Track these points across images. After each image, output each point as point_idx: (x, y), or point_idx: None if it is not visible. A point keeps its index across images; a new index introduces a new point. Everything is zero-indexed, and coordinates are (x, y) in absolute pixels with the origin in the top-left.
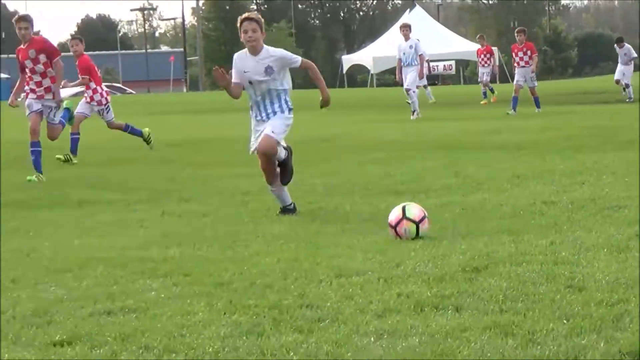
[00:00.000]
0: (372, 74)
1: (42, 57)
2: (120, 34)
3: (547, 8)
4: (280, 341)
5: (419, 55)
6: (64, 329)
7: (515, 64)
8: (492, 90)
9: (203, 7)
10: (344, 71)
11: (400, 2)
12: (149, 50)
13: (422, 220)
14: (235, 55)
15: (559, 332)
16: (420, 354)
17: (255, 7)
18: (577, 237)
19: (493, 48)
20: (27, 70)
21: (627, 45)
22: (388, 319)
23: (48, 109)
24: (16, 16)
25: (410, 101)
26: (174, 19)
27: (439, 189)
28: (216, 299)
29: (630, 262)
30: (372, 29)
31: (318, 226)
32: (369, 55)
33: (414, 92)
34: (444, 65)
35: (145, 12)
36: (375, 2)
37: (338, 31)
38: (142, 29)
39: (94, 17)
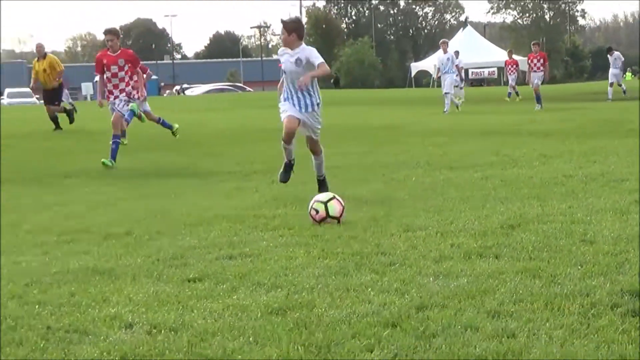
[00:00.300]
0: (433, 78)
1: (126, 66)
2: (242, 46)
3: (568, 28)
4: (360, 280)
5: (455, 65)
6: (196, 269)
7: (531, 69)
8: (517, 93)
9: (305, 25)
10: (412, 75)
11: (455, 22)
12: (264, 58)
13: (341, 215)
14: (279, 50)
15: (574, 275)
16: (467, 291)
17: (345, 26)
18: (589, 203)
19: (517, 59)
20: (108, 73)
21: (616, 52)
22: (443, 263)
23: (120, 102)
24: (104, 29)
25: (446, 102)
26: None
27: (483, 164)
28: (312, 247)
29: (630, 222)
30: (434, 42)
31: (390, 192)
32: (431, 63)
33: (448, 93)
34: (488, 72)
35: (262, 29)
36: (436, 22)
37: (408, 44)
38: (259, 42)
39: (222, 33)
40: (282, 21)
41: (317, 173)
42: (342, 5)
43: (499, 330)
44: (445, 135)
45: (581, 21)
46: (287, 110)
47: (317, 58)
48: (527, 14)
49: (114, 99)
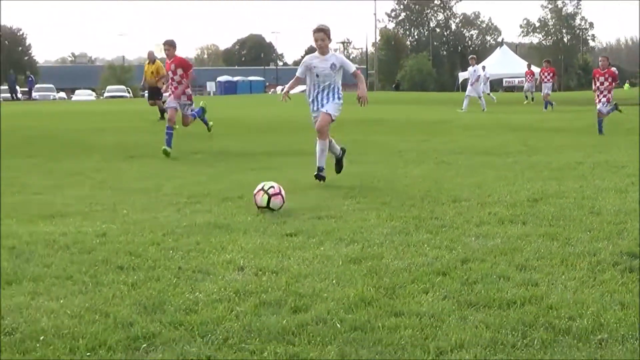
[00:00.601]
0: (458, 83)
1: (179, 70)
2: None
3: (581, 48)
4: (418, 238)
5: (478, 76)
6: (293, 226)
7: (542, 80)
8: (532, 99)
9: (379, 42)
10: (459, 82)
11: (494, 42)
12: None
13: (275, 195)
14: (307, 56)
15: (584, 239)
16: (501, 249)
17: (409, 43)
18: (596, 184)
19: (534, 70)
20: (171, 77)
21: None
22: (482, 227)
23: (183, 106)
24: (164, 41)
25: (465, 102)
26: (361, 48)
27: (514, 152)
28: (381, 212)
29: (629, 199)
30: (478, 57)
31: (441, 172)
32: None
33: (467, 96)
34: (518, 81)
35: (345, 44)
36: (479, 42)
37: (457, 58)
38: (344, 53)
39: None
40: (323, 29)
41: (317, 163)
42: (407, 27)
43: (525, 280)
44: (484, 129)
45: (591, 43)
46: (315, 115)
47: (352, 66)
48: (550, 37)
49: (174, 98)
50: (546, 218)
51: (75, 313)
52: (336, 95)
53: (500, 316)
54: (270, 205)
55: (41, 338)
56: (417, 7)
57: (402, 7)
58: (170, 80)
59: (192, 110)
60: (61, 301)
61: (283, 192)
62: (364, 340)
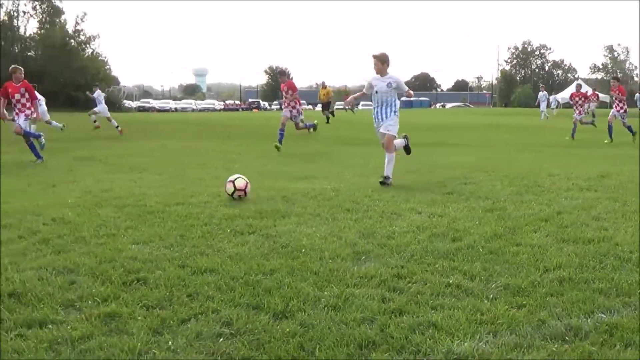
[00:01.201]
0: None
1: (290, 91)
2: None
3: (628, 82)
4: (528, 198)
5: (547, 98)
6: (449, 188)
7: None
8: (592, 115)
9: (499, 77)
10: (537, 102)
11: (572, 77)
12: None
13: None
14: (372, 77)
15: (635, 201)
16: (582, 206)
17: (518, 79)
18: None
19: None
20: (284, 95)
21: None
22: (569, 192)
23: (295, 116)
24: (280, 70)
25: (541, 116)
26: (488, 81)
27: (592, 146)
28: (503, 181)
29: None
30: (559, 89)
31: (541, 158)
32: (556, 97)
33: (543, 111)
34: (587, 106)
35: (478, 78)
36: (563, 78)
37: (548, 88)
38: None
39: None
40: (376, 56)
41: (385, 172)
42: (517, 68)
43: (599, 226)
44: (564, 131)
45: (635, 79)
46: (380, 134)
47: (405, 86)
48: (608, 74)
49: (287, 107)
50: (610, 188)
51: (322, 236)
52: (392, 111)
53: (584, 249)
54: (234, 195)
55: (302, 250)
56: (523, 55)
57: (514, 55)
58: (284, 98)
59: (303, 122)
60: (313, 229)
61: (248, 189)
62: (496, 260)
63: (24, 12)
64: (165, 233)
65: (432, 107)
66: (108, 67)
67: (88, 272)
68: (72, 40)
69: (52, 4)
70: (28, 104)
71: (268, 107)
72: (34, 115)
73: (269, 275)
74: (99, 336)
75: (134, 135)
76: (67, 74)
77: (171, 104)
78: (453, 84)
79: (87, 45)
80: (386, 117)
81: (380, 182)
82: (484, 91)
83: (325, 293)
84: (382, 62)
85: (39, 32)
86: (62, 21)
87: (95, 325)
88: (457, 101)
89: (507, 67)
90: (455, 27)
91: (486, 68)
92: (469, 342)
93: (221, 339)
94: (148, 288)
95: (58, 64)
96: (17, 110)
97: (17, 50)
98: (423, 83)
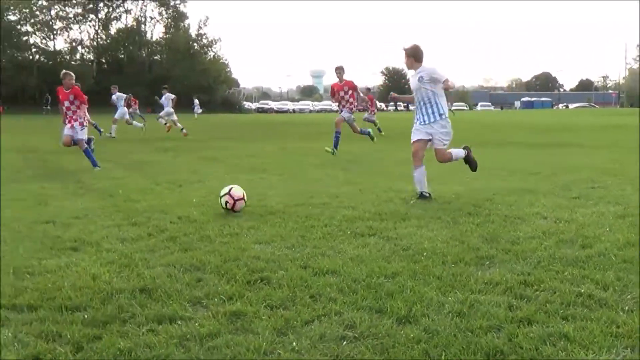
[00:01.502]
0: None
1: (349, 91)
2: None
3: None
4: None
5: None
6: (575, 192)
7: None
8: None
9: (626, 76)
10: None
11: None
12: (597, 92)
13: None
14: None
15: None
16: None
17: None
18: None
19: None
20: (342, 96)
21: None
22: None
23: (349, 119)
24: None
25: None
26: (615, 80)
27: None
28: (634, 185)
29: None
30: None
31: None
32: None
33: None
34: None
35: (604, 77)
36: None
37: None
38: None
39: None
40: (405, 49)
41: (419, 188)
42: None
43: None
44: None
45: None
46: (413, 135)
47: (442, 75)
48: None
49: (343, 109)
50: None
51: (444, 240)
52: (436, 112)
53: None
54: (234, 209)
55: (424, 254)
56: None
57: None
58: (340, 99)
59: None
60: (434, 232)
61: (244, 197)
62: (631, 269)
63: (151, 18)
64: (287, 233)
65: (555, 108)
66: (229, 69)
67: (214, 270)
68: (195, 44)
69: (176, 8)
70: (79, 111)
71: (385, 108)
72: (84, 122)
73: (390, 279)
74: (225, 334)
75: (254, 136)
76: (191, 77)
77: (289, 105)
78: (577, 83)
79: (209, 49)
80: (428, 119)
81: (419, 196)
82: (610, 91)
83: (449, 298)
84: (408, 56)
85: (165, 36)
86: (186, 25)
87: (222, 323)
88: (582, 101)
89: (635, 66)
90: (579, 25)
91: (613, 67)
92: (605, 356)
93: (345, 342)
94: (271, 288)
95: (182, 67)
96: (68, 118)
97: (144, 55)
98: (544, 83)
